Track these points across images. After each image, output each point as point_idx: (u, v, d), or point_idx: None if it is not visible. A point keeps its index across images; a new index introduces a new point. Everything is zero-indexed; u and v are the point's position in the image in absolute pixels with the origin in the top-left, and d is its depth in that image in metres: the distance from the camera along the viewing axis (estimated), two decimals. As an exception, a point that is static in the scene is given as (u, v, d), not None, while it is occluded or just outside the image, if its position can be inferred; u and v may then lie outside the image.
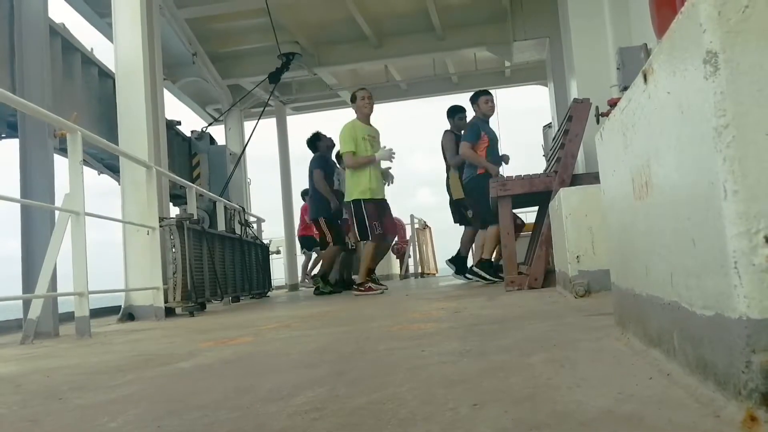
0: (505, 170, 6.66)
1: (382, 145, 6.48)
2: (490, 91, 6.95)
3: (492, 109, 6.62)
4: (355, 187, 6.31)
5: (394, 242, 16.79)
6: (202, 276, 5.64)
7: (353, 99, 6.62)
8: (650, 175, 1.17)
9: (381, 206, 6.44)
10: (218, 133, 10.45)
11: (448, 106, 7.45)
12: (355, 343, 2.19)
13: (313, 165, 7.67)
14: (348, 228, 8.49)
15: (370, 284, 6.18)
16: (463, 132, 6.72)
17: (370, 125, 6.52)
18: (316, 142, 7.90)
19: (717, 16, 0.82)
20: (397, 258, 15.91)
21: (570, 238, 3.36)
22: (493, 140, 6.48)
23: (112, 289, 5.12)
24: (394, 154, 6.38)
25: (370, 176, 6.31)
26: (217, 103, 10.82)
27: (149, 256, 4.94)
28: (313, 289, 7.86)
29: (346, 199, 6.43)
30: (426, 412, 1.07)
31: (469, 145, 6.36)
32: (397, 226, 6.50)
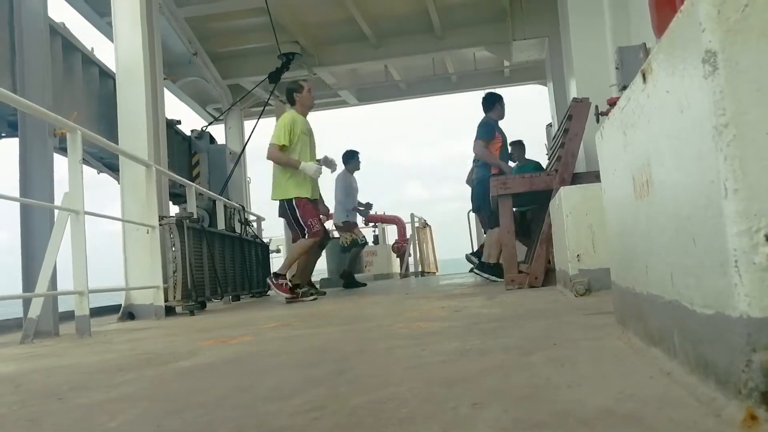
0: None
1: (317, 153, 6.06)
2: (489, 90, 7.00)
3: (504, 114, 6.71)
4: (292, 185, 5.77)
5: (394, 241, 16.84)
6: (202, 275, 5.64)
7: (297, 89, 5.99)
8: (650, 173, 1.17)
9: (315, 205, 6.03)
10: (218, 132, 10.46)
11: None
12: (356, 342, 2.19)
13: None
14: (350, 227, 8.52)
15: (287, 281, 5.75)
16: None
17: (306, 120, 6.03)
18: None
19: (716, 15, 0.82)
20: (397, 257, 15.92)
21: (570, 237, 3.36)
22: (505, 140, 6.57)
23: (113, 287, 5.12)
24: (321, 173, 5.94)
25: (305, 175, 5.80)
26: (217, 102, 10.82)
27: (149, 255, 4.94)
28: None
29: (280, 197, 5.86)
30: (426, 412, 1.07)
31: (484, 143, 6.37)
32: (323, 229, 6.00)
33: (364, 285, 8.43)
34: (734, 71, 0.81)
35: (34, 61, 4.41)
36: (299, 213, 5.77)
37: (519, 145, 7.98)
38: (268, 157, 5.79)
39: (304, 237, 5.83)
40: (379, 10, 9.20)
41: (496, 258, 6.33)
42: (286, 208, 5.82)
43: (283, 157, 5.73)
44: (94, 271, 3.82)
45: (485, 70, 11.58)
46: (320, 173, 5.90)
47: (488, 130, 6.45)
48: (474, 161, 6.75)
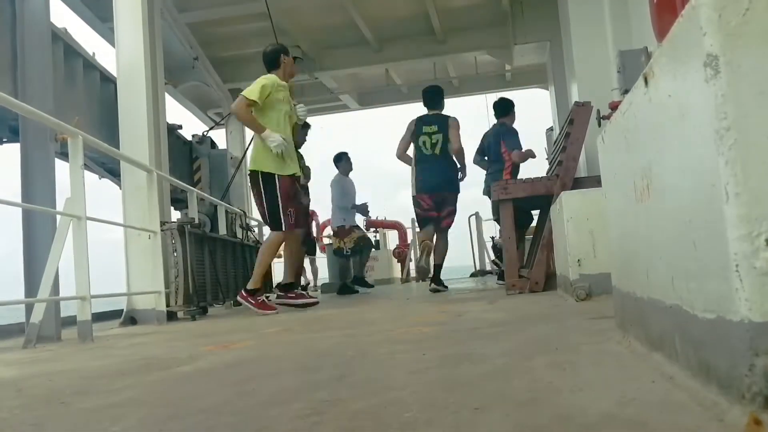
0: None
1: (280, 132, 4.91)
2: (490, 94, 7.09)
3: (515, 119, 6.90)
4: (269, 156, 4.83)
5: (395, 246, 16.82)
6: (203, 280, 5.64)
7: (285, 51, 5.21)
8: (651, 178, 1.17)
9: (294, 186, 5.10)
10: (219, 137, 10.47)
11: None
12: (357, 346, 2.19)
13: None
14: (343, 233, 8.42)
15: (263, 298, 4.89)
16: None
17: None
18: None
19: (717, 19, 0.82)
20: (398, 262, 15.92)
21: (571, 242, 3.36)
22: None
23: (114, 293, 5.12)
24: (283, 148, 4.83)
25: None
26: (218, 107, 10.83)
27: (151, 261, 4.94)
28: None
29: (255, 168, 4.93)
30: (428, 416, 1.07)
31: (520, 153, 6.52)
32: (309, 217, 4.95)
33: (356, 291, 8.33)
34: (736, 75, 0.81)
35: (35, 66, 4.43)
36: (280, 196, 4.81)
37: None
38: (232, 108, 5.06)
39: (276, 230, 4.88)
40: (380, 14, 9.21)
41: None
42: (262, 186, 4.88)
43: (247, 114, 4.84)
44: (96, 277, 3.83)
45: (487, 74, 11.58)
46: (282, 148, 4.80)
47: (517, 139, 6.56)
48: (488, 170, 6.78)
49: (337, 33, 9.63)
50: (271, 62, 5.18)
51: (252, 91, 4.83)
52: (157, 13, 6.04)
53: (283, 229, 4.85)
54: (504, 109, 6.76)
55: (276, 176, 4.85)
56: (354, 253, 8.40)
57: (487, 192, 6.65)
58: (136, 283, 5.05)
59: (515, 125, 6.83)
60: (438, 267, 6.34)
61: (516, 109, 6.88)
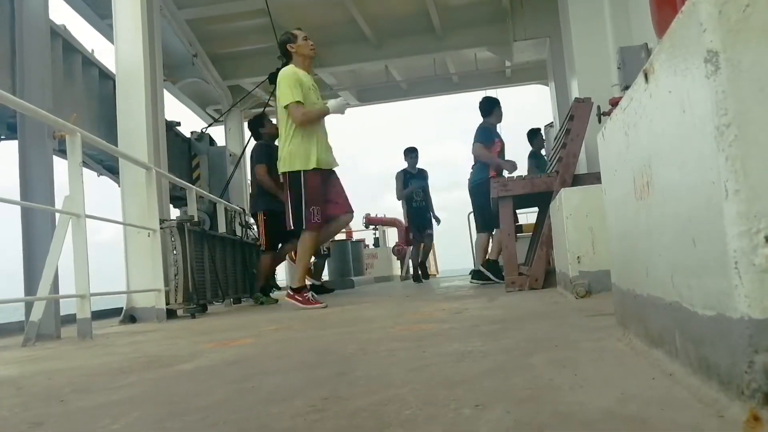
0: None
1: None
2: (491, 91, 7.12)
3: (502, 117, 6.89)
4: (297, 154, 4.79)
5: (394, 244, 16.82)
6: (203, 278, 5.64)
7: (290, 40, 5.02)
8: (651, 174, 1.16)
9: (329, 179, 4.99)
10: (218, 133, 10.46)
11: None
12: (356, 344, 2.19)
13: (255, 159, 6.61)
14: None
15: (309, 294, 4.77)
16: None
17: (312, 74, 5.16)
18: (260, 128, 6.87)
19: (718, 15, 0.82)
20: (397, 259, 15.94)
21: (571, 239, 3.36)
22: (503, 146, 6.71)
23: (114, 291, 5.12)
24: (348, 104, 5.09)
25: (318, 141, 4.86)
26: (217, 103, 10.82)
27: (150, 258, 4.93)
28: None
29: (283, 169, 4.86)
30: (428, 413, 1.06)
31: (482, 146, 6.49)
32: (349, 203, 5.04)
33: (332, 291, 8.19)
34: (736, 71, 0.81)
35: (34, 62, 4.41)
36: (305, 191, 4.75)
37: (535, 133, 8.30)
38: (295, 119, 4.75)
39: (297, 228, 4.81)
40: (380, 11, 9.21)
41: (497, 255, 6.42)
42: (288, 183, 4.85)
43: (309, 112, 4.82)
44: (95, 275, 3.82)
45: (486, 71, 11.58)
46: (344, 107, 5.09)
47: (487, 135, 6.58)
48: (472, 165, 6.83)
49: (337, 29, 9.62)
50: (284, 55, 5.09)
51: (288, 95, 4.75)
52: (156, 9, 6.03)
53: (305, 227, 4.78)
54: (485, 108, 6.81)
55: (302, 173, 4.78)
56: (329, 254, 8.36)
57: (470, 189, 6.74)
58: (136, 281, 5.05)
59: (508, 121, 6.91)
60: None
61: (502, 107, 6.92)
